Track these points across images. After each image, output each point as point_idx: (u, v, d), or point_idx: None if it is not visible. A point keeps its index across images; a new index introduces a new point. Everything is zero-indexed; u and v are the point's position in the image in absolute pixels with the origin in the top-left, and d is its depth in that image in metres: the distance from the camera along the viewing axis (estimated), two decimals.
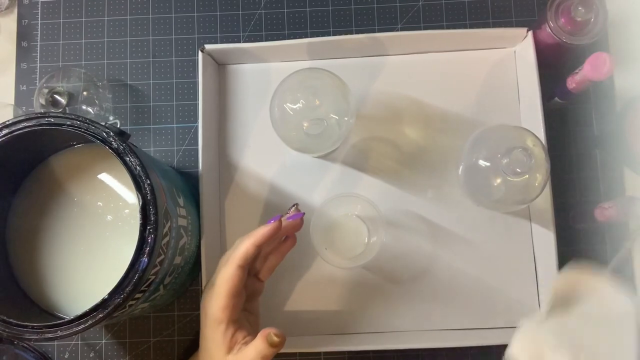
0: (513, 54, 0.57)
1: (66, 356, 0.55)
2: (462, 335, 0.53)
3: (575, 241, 0.55)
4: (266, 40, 0.59)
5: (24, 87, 0.59)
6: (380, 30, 0.59)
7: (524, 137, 0.47)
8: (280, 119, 0.49)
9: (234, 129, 0.57)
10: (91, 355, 0.55)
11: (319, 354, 0.55)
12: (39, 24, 0.60)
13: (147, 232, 0.40)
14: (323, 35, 0.59)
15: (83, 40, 0.60)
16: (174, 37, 0.60)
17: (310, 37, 0.55)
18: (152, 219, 0.40)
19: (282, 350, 0.51)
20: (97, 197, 0.47)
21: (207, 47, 0.54)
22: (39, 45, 0.60)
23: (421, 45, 0.56)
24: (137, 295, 0.41)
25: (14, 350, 0.51)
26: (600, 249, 0.55)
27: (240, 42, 0.59)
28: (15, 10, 0.61)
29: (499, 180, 0.47)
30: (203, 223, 0.51)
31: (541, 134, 0.52)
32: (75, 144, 0.48)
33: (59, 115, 0.41)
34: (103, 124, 0.42)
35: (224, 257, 0.45)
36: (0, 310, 0.40)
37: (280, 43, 0.55)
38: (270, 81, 0.57)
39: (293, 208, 0.49)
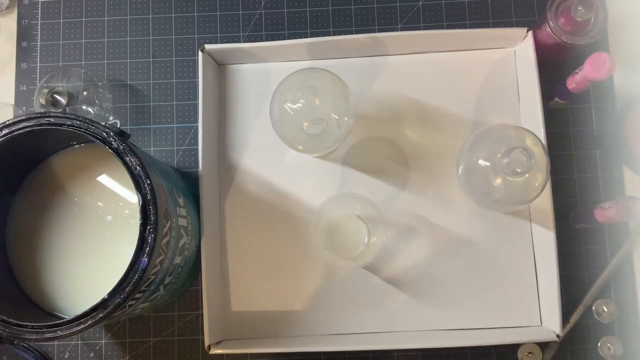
0: (513, 54, 0.57)
1: (66, 356, 0.55)
2: (462, 335, 0.53)
3: (575, 241, 0.55)
4: (266, 40, 0.59)
5: (24, 87, 0.59)
6: (380, 30, 0.59)
7: (524, 137, 0.47)
8: (280, 119, 0.49)
9: (234, 129, 0.57)
10: (91, 355, 0.55)
11: (318, 353, 0.55)
12: (39, 24, 0.60)
13: (147, 232, 0.40)
14: (323, 35, 0.59)
15: (83, 40, 0.60)
16: (174, 37, 0.60)
17: (310, 37, 0.55)
18: (152, 218, 0.40)
19: (282, 350, 0.51)
20: (97, 197, 0.47)
21: (207, 47, 0.54)
22: (39, 45, 0.60)
23: (421, 45, 0.56)
24: (137, 295, 0.41)
25: (13, 350, 0.51)
26: (600, 249, 0.55)
27: (240, 42, 0.59)
28: (15, 10, 0.61)
29: (499, 180, 0.47)
30: (203, 223, 0.51)
31: (541, 134, 0.52)
32: (75, 144, 0.48)
33: (59, 115, 0.41)
34: (103, 124, 0.42)
35: None
36: (0, 310, 0.40)
37: (280, 43, 0.55)
38: (270, 81, 0.57)
39: None
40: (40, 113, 0.41)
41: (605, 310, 0.54)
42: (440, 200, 0.55)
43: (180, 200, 0.47)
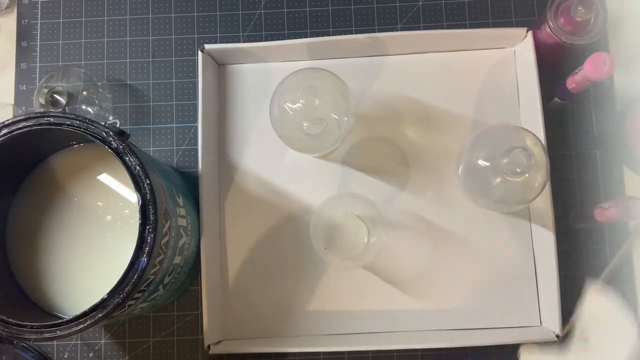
0: (513, 54, 0.57)
1: (65, 356, 0.55)
2: (462, 335, 0.53)
3: (575, 241, 0.55)
4: (266, 40, 0.59)
5: (24, 87, 0.59)
6: (380, 30, 0.59)
7: (524, 137, 0.47)
8: (280, 119, 0.49)
9: (234, 129, 0.57)
10: (90, 355, 0.55)
11: (318, 354, 0.55)
12: (39, 24, 0.60)
13: (146, 232, 0.40)
14: (323, 35, 0.59)
15: (83, 40, 0.60)
16: (174, 37, 0.60)
17: (310, 37, 0.55)
18: (151, 218, 0.40)
19: (282, 350, 0.51)
20: (96, 197, 0.47)
21: (207, 47, 0.54)
22: (38, 45, 0.60)
23: (421, 45, 0.56)
24: (137, 295, 0.41)
25: (13, 350, 0.51)
26: (600, 249, 0.55)
27: (240, 42, 0.59)
28: (15, 10, 0.61)
29: (498, 180, 0.47)
30: (203, 223, 0.51)
31: (541, 134, 0.52)
32: (75, 144, 0.48)
33: (58, 115, 0.41)
34: (103, 123, 0.42)
35: None
36: (0, 310, 0.40)
37: (280, 43, 0.55)
38: (270, 81, 0.57)
39: None
40: (40, 113, 0.41)
41: None
42: (440, 200, 0.55)
43: (180, 200, 0.47)
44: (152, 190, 0.40)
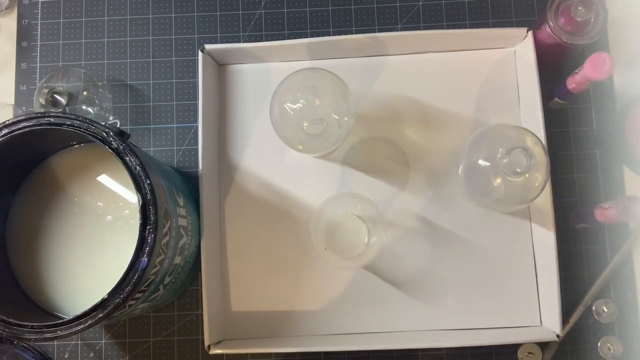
0: (513, 54, 0.57)
1: (66, 356, 0.55)
2: (462, 335, 0.53)
3: (575, 241, 0.55)
4: (266, 40, 0.59)
5: (24, 87, 0.59)
6: (380, 30, 0.59)
7: (524, 137, 0.47)
8: (280, 118, 0.49)
9: (234, 129, 0.57)
10: (91, 355, 0.55)
11: (318, 354, 0.55)
12: (39, 24, 0.60)
13: (146, 232, 0.40)
14: (323, 35, 0.59)
15: (83, 40, 0.60)
16: (174, 37, 0.60)
17: (310, 37, 0.55)
18: (151, 218, 0.40)
19: (282, 350, 0.51)
20: (97, 197, 0.47)
21: (207, 47, 0.54)
22: (39, 45, 0.60)
23: (421, 45, 0.56)
24: (137, 295, 0.41)
25: (13, 350, 0.51)
26: (600, 249, 0.55)
27: (240, 42, 0.59)
28: (15, 10, 0.61)
29: (499, 180, 0.47)
30: (203, 223, 0.51)
31: (541, 134, 0.52)
32: (75, 144, 0.48)
33: (59, 115, 0.41)
34: (103, 123, 0.42)
35: None
36: (0, 310, 0.40)
37: (280, 43, 0.55)
38: (270, 81, 0.57)
39: None
40: (40, 113, 0.41)
41: (605, 310, 0.54)
42: (440, 200, 0.55)
43: (180, 200, 0.47)
44: (152, 190, 0.40)
